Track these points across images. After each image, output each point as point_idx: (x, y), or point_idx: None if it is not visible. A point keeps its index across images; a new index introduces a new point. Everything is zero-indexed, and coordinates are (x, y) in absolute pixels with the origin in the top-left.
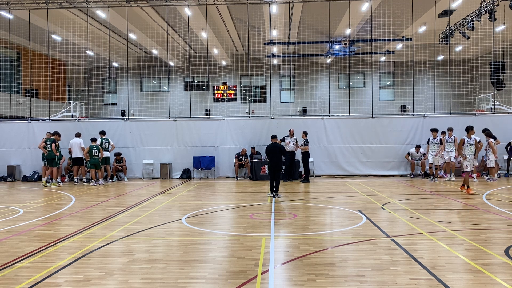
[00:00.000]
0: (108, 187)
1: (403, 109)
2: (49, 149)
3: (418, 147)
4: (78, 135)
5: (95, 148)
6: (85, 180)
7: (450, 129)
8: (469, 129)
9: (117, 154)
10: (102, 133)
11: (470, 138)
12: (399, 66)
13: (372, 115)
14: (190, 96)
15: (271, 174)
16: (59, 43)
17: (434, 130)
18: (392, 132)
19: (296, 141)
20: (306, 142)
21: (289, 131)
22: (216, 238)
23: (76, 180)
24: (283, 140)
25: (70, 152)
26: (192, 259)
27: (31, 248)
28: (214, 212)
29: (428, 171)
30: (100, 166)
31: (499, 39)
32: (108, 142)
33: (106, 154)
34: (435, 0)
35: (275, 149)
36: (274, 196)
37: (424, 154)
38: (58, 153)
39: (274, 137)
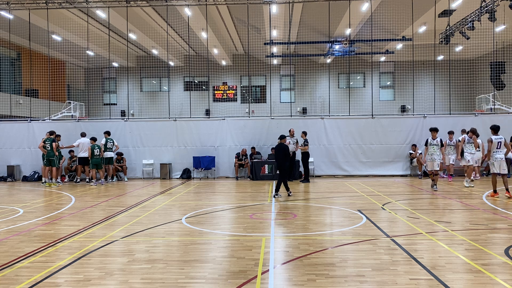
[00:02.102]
0: (108, 187)
1: (403, 109)
2: (49, 148)
3: (414, 146)
4: (84, 135)
5: (97, 148)
6: (87, 180)
7: (464, 131)
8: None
9: (119, 154)
10: (107, 133)
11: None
12: (399, 66)
13: (372, 115)
14: (190, 96)
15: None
16: (59, 43)
17: (434, 130)
18: (392, 132)
19: (297, 141)
20: (305, 142)
21: (289, 131)
22: (216, 238)
23: (78, 180)
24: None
25: (72, 151)
26: (192, 259)
27: (31, 248)
28: (214, 212)
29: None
30: (102, 166)
31: (499, 39)
32: (113, 142)
33: (110, 154)
34: (435, 0)
35: (280, 150)
36: (274, 196)
37: (421, 153)
38: (57, 153)
39: (281, 137)
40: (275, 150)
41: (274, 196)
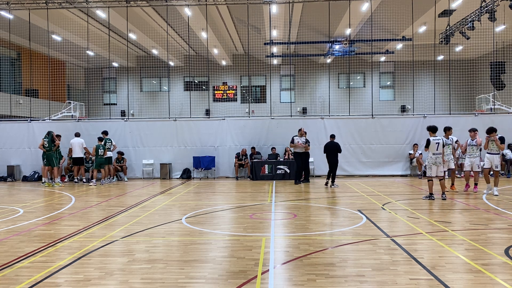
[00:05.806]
0: (108, 187)
1: (403, 109)
2: (47, 146)
3: (416, 145)
4: (77, 135)
5: (101, 148)
6: (84, 180)
7: (474, 130)
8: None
9: (120, 154)
10: (105, 133)
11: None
12: (399, 66)
13: (372, 115)
14: (190, 96)
15: (330, 167)
16: (59, 43)
17: (432, 130)
18: (392, 132)
19: (306, 141)
20: (308, 142)
21: (299, 130)
22: (216, 238)
23: (76, 180)
24: (292, 141)
25: (70, 151)
26: (192, 259)
27: (31, 248)
28: (214, 212)
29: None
30: (104, 166)
31: (499, 39)
32: (111, 142)
33: (108, 154)
34: (435, 0)
35: (332, 147)
36: (331, 186)
37: (421, 153)
38: (44, 149)
39: (332, 136)
40: (327, 147)
41: (330, 186)
